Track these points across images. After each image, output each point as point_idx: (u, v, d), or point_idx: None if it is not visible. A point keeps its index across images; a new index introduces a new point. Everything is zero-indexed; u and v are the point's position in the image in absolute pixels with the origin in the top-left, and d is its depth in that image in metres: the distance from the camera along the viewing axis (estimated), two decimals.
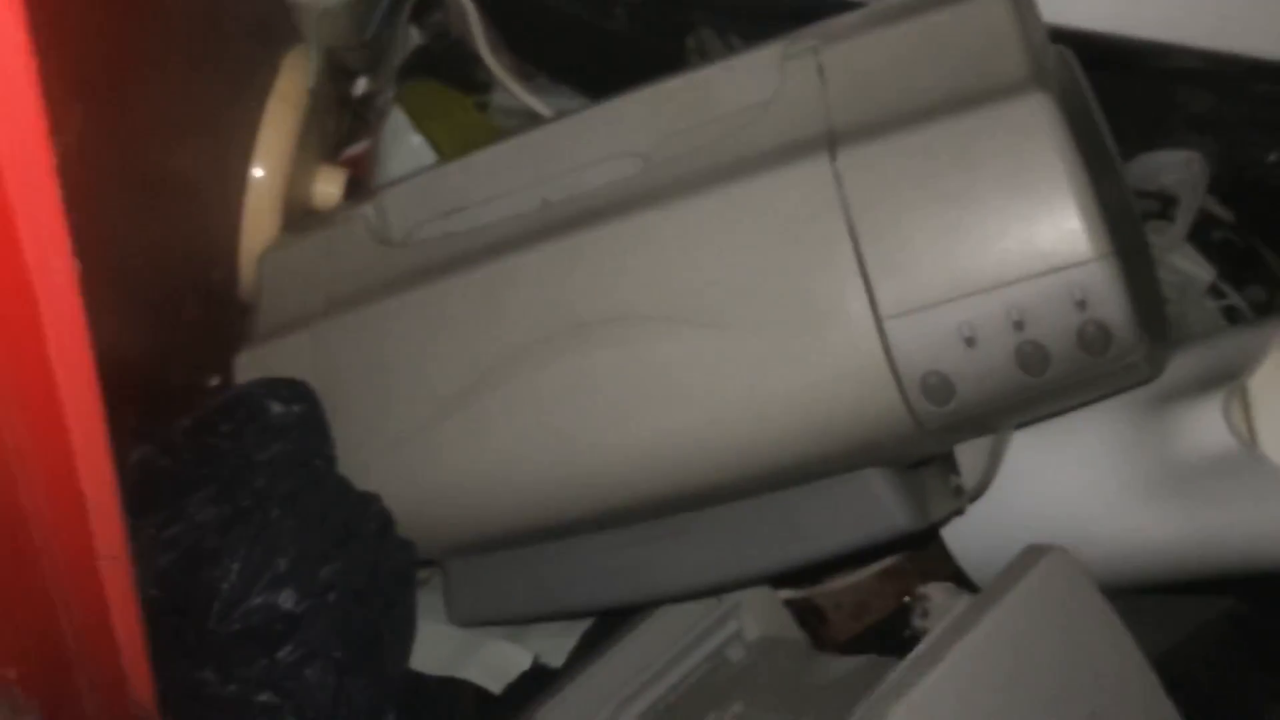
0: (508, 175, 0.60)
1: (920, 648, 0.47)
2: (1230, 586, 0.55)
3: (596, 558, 0.59)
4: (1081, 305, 0.49)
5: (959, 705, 0.44)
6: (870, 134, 0.51)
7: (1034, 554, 0.49)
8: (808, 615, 0.76)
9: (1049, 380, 0.50)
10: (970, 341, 0.50)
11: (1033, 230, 0.49)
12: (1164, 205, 0.70)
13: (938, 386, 0.51)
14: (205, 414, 0.56)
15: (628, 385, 0.54)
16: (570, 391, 0.55)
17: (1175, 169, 0.71)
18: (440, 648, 0.63)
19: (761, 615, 0.68)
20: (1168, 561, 0.58)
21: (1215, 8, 0.62)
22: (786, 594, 0.74)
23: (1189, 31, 0.62)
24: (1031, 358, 0.50)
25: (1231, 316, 0.71)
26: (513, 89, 0.78)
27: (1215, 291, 0.70)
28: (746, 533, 0.56)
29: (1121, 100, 0.59)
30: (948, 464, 0.58)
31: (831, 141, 0.52)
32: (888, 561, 0.77)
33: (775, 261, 0.52)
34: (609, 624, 0.67)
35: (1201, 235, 0.71)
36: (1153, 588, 0.58)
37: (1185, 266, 0.70)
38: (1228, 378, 0.55)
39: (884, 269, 0.50)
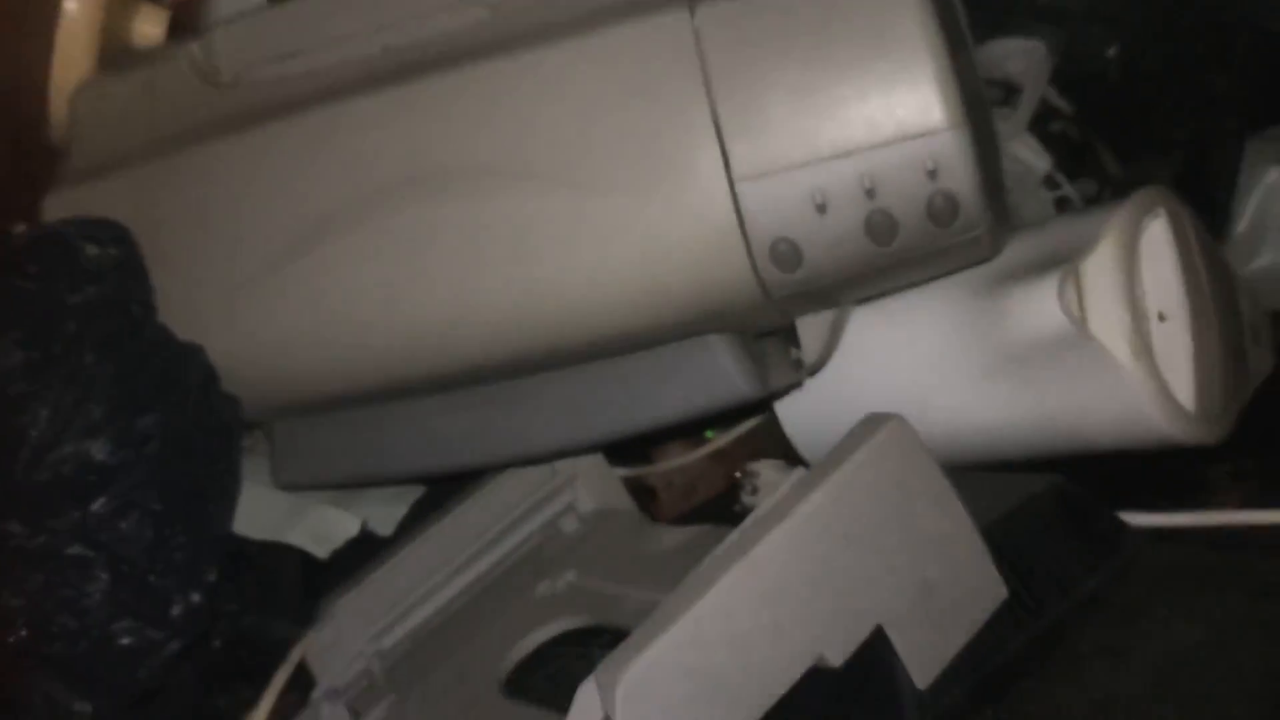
0: (348, 18, 0.57)
1: (759, 510, 0.46)
2: (1055, 465, 0.57)
3: (430, 421, 0.57)
4: (932, 175, 0.49)
5: (797, 566, 0.44)
6: None
7: (874, 422, 0.49)
8: (639, 494, 0.76)
9: (895, 251, 0.51)
10: (821, 208, 0.49)
11: (889, 97, 0.48)
12: (1007, 93, 0.71)
13: (787, 253, 0.50)
14: (10, 254, 0.52)
15: (468, 241, 0.52)
16: (408, 245, 0.52)
17: (1020, 58, 0.72)
18: (265, 512, 0.61)
19: (596, 487, 0.67)
20: (998, 440, 0.60)
21: None
22: (619, 473, 0.73)
23: None
24: (880, 227, 0.50)
25: (1063, 207, 0.72)
26: None
27: (1050, 182, 0.72)
28: (586, 398, 0.55)
29: None
30: (789, 337, 0.58)
31: None
32: (718, 442, 0.78)
33: (627, 118, 0.50)
34: (441, 494, 0.66)
35: (1041, 125, 0.72)
36: (982, 466, 0.60)
37: (1024, 155, 0.71)
38: (1061, 262, 0.56)
39: (739, 130, 0.49)
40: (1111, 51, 0.73)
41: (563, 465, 0.66)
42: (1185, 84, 0.74)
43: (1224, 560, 0.53)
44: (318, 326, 0.54)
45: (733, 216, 0.50)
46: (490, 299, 0.52)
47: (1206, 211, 0.64)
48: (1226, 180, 0.77)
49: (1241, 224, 0.82)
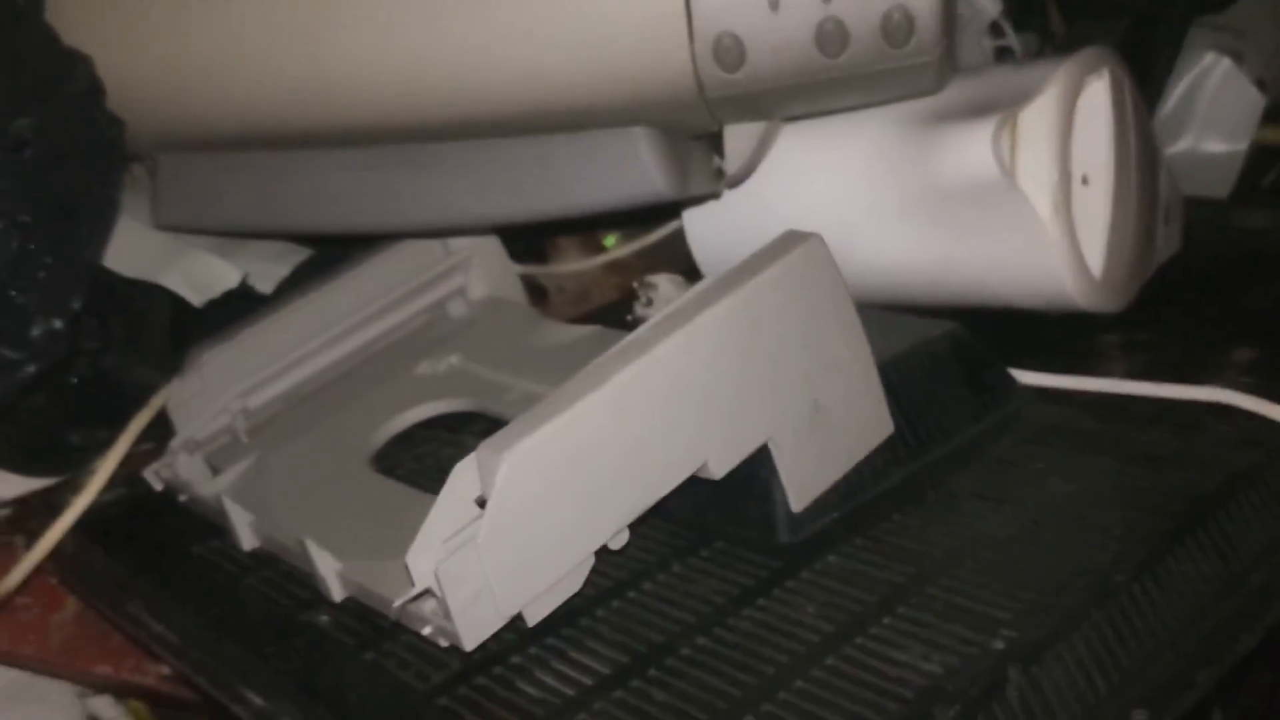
0: None
1: (661, 313, 0.45)
2: (955, 314, 0.57)
3: (329, 175, 0.54)
4: None
5: (695, 371, 0.43)
6: None
7: (793, 238, 0.47)
8: (529, 293, 0.74)
9: (841, 65, 0.48)
10: (774, 5, 0.47)
11: None
12: None
13: (730, 49, 0.48)
14: None
15: None
16: None
17: None
18: (141, 249, 0.57)
19: (490, 273, 0.65)
20: (907, 279, 0.59)
21: None
22: (515, 269, 0.71)
23: None
24: (832, 36, 0.47)
25: (1003, 58, 0.71)
26: None
27: (995, 29, 0.70)
28: (497, 172, 0.53)
29: None
30: (714, 144, 0.56)
31: None
32: (617, 251, 0.76)
33: None
34: (328, 258, 0.63)
35: None
36: (887, 305, 0.59)
37: None
38: (998, 109, 0.55)
39: None
40: None
41: (458, 245, 0.63)
42: None
43: (1103, 426, 0.53)
44: (221, 53, 0.50)
45: (681, 1, 0.47)
46: (412, 49, 0.49)
47: (1143, 84, 0.63)
48: (1167, 55, 0.76)
49: (1170, 104, 0.82)
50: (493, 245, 0.64)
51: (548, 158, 0.52)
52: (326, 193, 0.55)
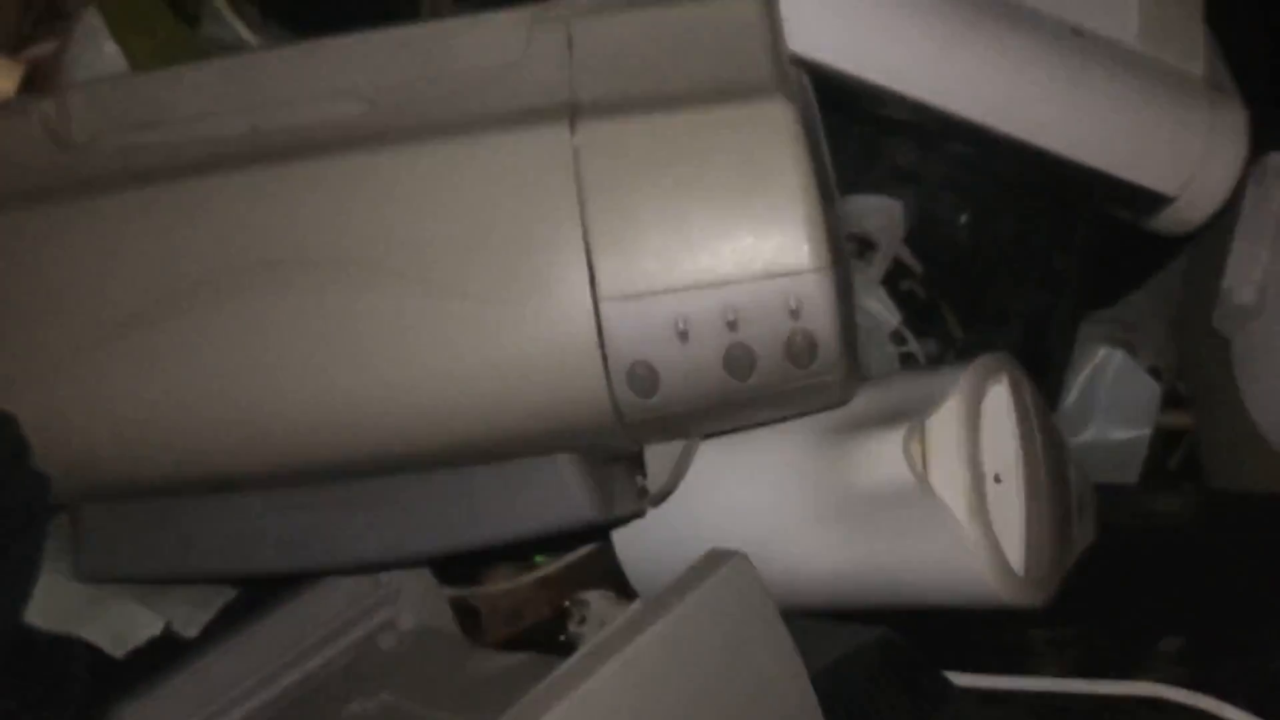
0: (215, 94, 0.55)
1: (593, 641, 0.45)
2: (885, 618, 0.57)
3: (254, 519, 0.54)
4: (794, 314, 0.49)
5: (626, 704, 0.43)
6: (612, 111, 0.50)
7: (717, 558, 0.48)
8: (462, 614, 0.73)
9: (751, 386, 0.50)
10: (683, 335, 0.49)
11: (759, 232, 0.48)
12: (862, 248, 0.73)
13: (644, 378, 0.50)
14: None
15: (319, 333, 0.50)
16: (255, 331, 0.50)
17: (877, 215, 0.74)
18: (60, 601, 0.56)
19: (420, 604, 0.65)
20: (833, 587, 0.60)
21: (931, 62, 0.65)
22: (447, 592, 0.71)
23: (904, 81, 0.65)
24: (739, 360, 0.50)
25: (907, 364, 0.74)
26: (228, 17, 0.73)
27: (898, 337, 0.73)
28: (422, 507, 0.53)
29: (836, 140, 0.61)
30: (635, 464, 0.58)
31: (573, 113, 0.50)
32: (548, 568, 0.76)
33: (498, 225, 0.49)
34: (254, 597, 0.63)
35: (892, 282, 0.74)
36: (815, 613, 0.59)
37: (875, 308, 0.72)
38: (907, 416, 0.57)
39: (609, 249, 0.49)
40: (963, 219, 0.75)
41: (387, 578, 0.63)
42: (1029, 258, 0.77)
43: None
44: (148, 407, 0.51)
45: (594, 335, 0.49)
46: (336, 395, 0.50)
47: (1041, 382, 0.66)
48: (1061, 354, 0.80)
49: (1071, 397, 0.85)
50: (423, 574, 0.64)
51: (471, 489, 0.53)
52: (257, 536, 0.55)
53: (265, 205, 0.51)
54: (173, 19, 0.74)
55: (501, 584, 0.76)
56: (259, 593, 0.62)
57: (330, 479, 0.54)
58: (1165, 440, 0.91)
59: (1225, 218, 0.76)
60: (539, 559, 0.78)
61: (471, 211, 0.50)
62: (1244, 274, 0.76)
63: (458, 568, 0.72)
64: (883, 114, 0.67)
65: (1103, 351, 0.85)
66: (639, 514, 0.59)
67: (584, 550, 0.75)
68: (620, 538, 0.64)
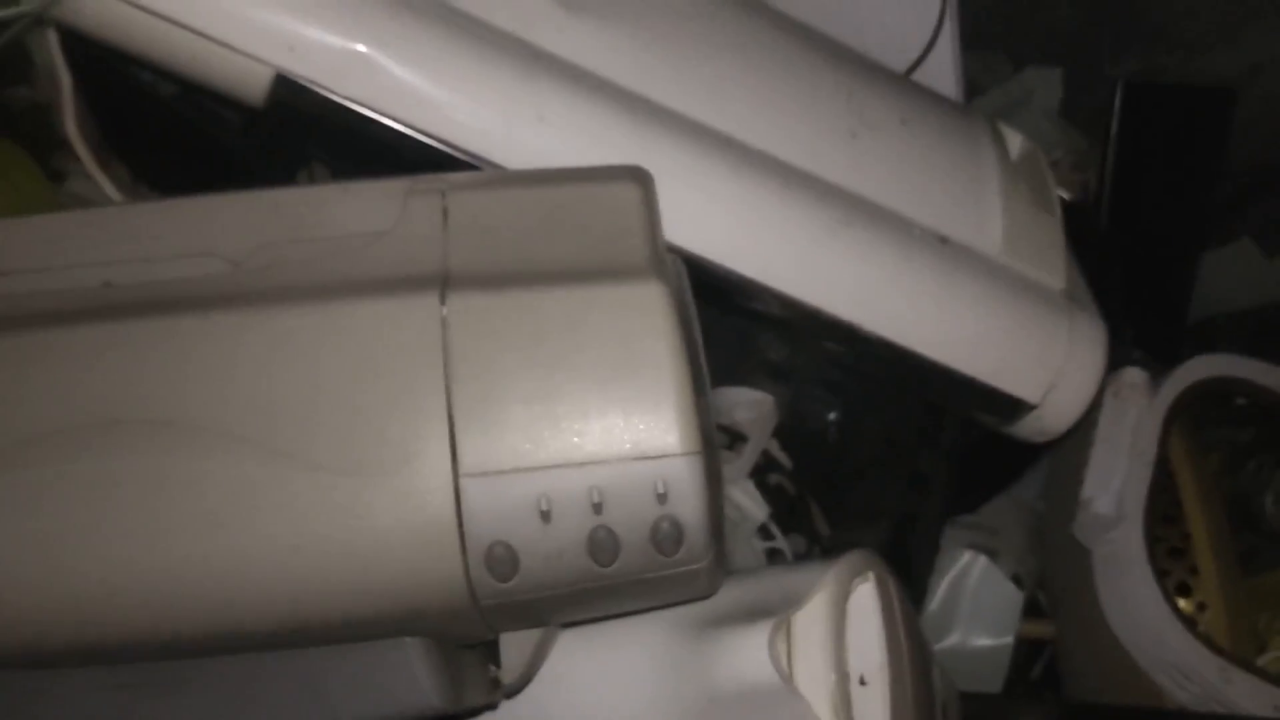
0: (70, 246, 0.53)
1: None
2: None
3: (77, 696, 0.50)
4: (662, 499, 0.47)
5: None
6: (485, 285, 0.49)
7: None
8: None
9: (614, 573, 0.49)
10: (546, 516, 0.47)
11: (628, 414, 0.47)
12: (732, 439, 0.73)
13: (502, 559, 0.47)
14: None
15: (158, 497, 0.46)
16: (89, 494, 0.47)
17: (748, 407, 0.74)
18: None
19: None
20: None
21: (802, 260, 0.66)
22: None
23: (782, 279, 0.66)
24: (603, 544, 0.48)
25: (774, 559, 0.73)
26: (95, 176, 0.71)
27: (764, 531, 0.72)
28: (257, 691, 0.49)
29: (710, 331, 0.61)
30: (489, 652, 0.55)
31: (444, 284, 0.49)
32: None
33: (357, 394, 0.47)
34: None
35: (760, 476, 0.73)
36: None
37: (743, 501, 0.71)
38: (772, 613, 0.56)
39: (473, 424, 0.47)
40: (833, 415, 0.76)
41: None
42: (897, 458, 0.78)
43: None
44: None
45: (452, 512, 0.47)
46: (169, 565, 0.46)
47: (907, 583, 0.65)
48: (926, 556, 0.80)
49: (934, 602, 0.85)
50: None
51: (313, 672, 0.50)
52: (76, 715, 0.51)
53: (110, 361, 0.48)
54: (37, 174, 0.73)
55: None
56: None
57: (159, 657, 0.50)
58: (1027, 650, 0.91)
59: (1084, 430, 0.78)
60: None
61: (330, 378, 0.48)
62: (1102, 484, 0.77)
63: None
64: (755, 308, 0.67)
65: (966, 556, 0.86)
66: (490, 706, 0.56)
67: None
68: None
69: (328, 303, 0.49)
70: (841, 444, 0.77)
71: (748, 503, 0.72)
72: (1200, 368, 0.80)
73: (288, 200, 0.54)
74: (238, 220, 0.53)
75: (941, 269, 0.68)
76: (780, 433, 0.75)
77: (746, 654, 0.55)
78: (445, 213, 0.52)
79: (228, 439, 0.47)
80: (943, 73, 0.87)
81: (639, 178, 0.54)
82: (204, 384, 0.48)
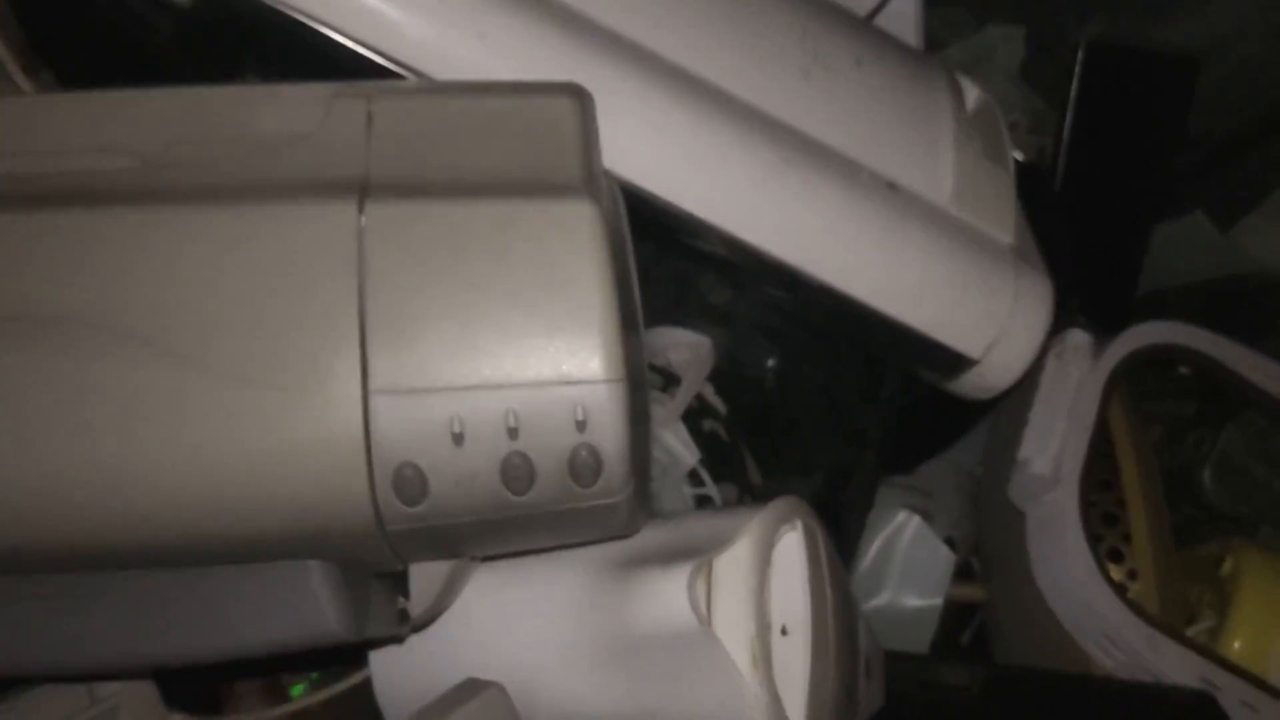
0: None
1: None
2: None
3: None
4: (581, 425, 0.45)
5: None
6: (406, 194, 0.47)
7: (471, 687, 0.44)
8: None
9: (528, 502, 0.47)
10: (459, 439, 0.45)
11: (550, 336, 0.45)
12: (666, 381, 0.71)
13: (411, 481, 0.45)
14: None
15: (49, 399, 0.44)
16: None
17: (683, 349, 0.72)
18: None
19: None
20: None
21: (746, 197, 0.64)
22: (178, 717, 0.64)
23: (724, 216, 0.64)
24: (517, 471, 0.46)
25: (702, 506, 0.71)
26: (16, 77, 0.67)
27: (694, 477, 0.71)
28: (144, 606, 0.47)
29: (648, 269, 0.59)
30: (398, 583, 0.53)
31: (363, 191, 0.46)
32: (302, 701, 0.70)
33: (264, 300, 0.45)
34: None
35: (693, 421, 0.71)
36: None
37: (674, 445, 0.70)
38: (694, 555, 0.54)
39: (385, 339, 0.45)
40: (771, 363, 0.74)
41: (104, 691, 0.56)
42: (834, 411, 0.76)
43: None
44: None
45: (359, 430, 0.44)
46: (56, 470, 0.44)
47: (837, 538, 0.64)
48: (859, 512, 0.79)
49: (866, 560, 0.84)
50: (145, 691, 0.58)
51: (207, 592, 0.47)
52: None
53: (1, 254, 0.45)
54: None
55: (244, 716, 0.69)
56: None
57: (42, 570, 0.47)
58: (957, 614, 0.91)
59: (1024, 391, 0.77)
60: (295, 691, 0.71)
61: (237, 284, 0.45)
62: (1040, 446, 0.76)
63: (194, 694, 0.65)
64: (696, 247, 0.65)
65: (900, 515, 0.85)
66: (397, 638, 0.54)
67: (344, 683, 0.69)
68: (377, 664, 0.59)
69: (239, 204, 0.46)
70: (779, 392, 0.75)
71: (679, 446, 0.70)
72: (1145, 334, 0.79)
73: (205, 98, 0.51)
74: (151, 116, 0.50)
75: (888, 215, 0.66)
76: (716, 378, 0.73)
77: (665, 596, 0.53)
78: (370, 118, 0.49)
79: (126, 341, 0.44)
80: (904, 22, 0.85)
81: (577, 94, 0.52)
82: (103, 282, 0.45)
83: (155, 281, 0.45)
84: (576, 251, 0.46)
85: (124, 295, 0.45)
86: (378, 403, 0.45)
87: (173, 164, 0.49)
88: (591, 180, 0.49)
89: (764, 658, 0.53)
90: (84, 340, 0.44)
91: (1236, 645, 0.77)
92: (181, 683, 0.62)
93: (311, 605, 0.48)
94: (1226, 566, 0.81)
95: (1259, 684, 0.73)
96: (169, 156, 0.49)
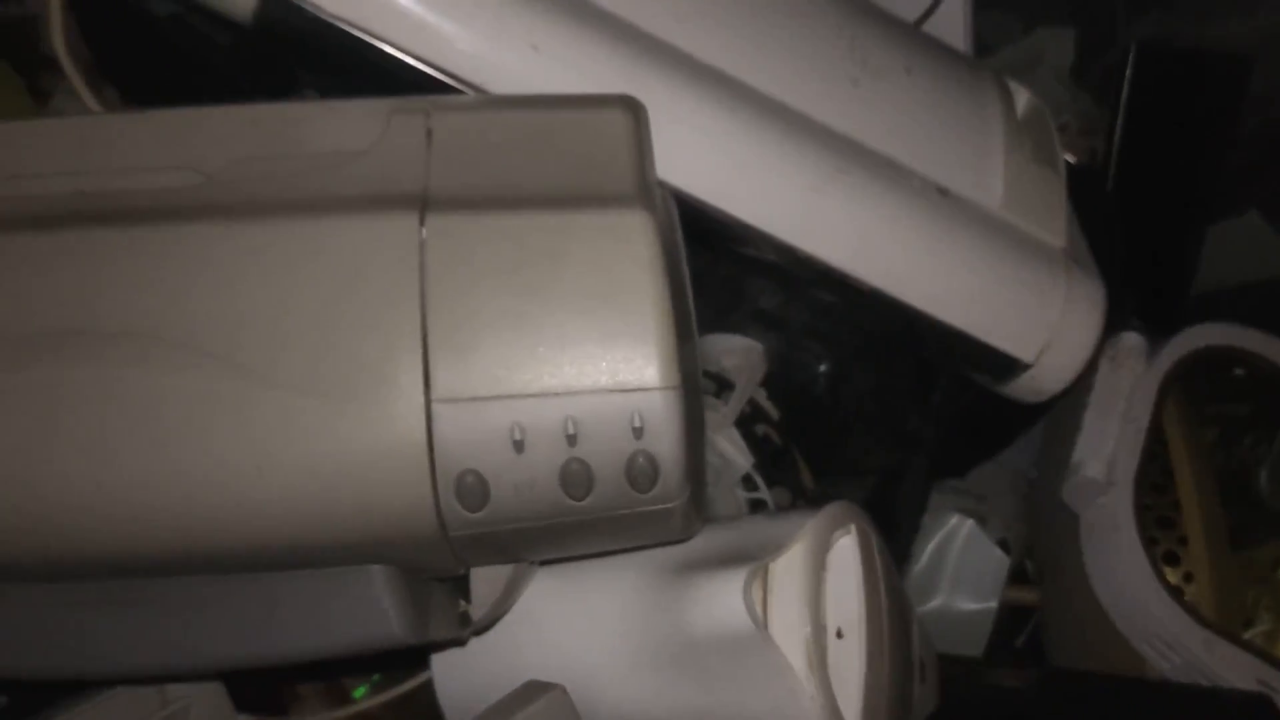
0: (42, 154, 0.51)
1: None
2: None
3: (31, 613, 0.49)
4: (638, 433, 0.46)
5: None
6: (466, 207, 0.48)
7: (534, 690, 0.45)
8: None
9: (587, 507, 0.47)
10: (519, 446, 0.46)
11: (608, 344, 0.46)
12: (719, 387, 0.71)
13: (473, 488, 0.46)
14: None
15: (117, 411, 0.45)
16: (43, 404, 0.45)
17: (736, 355, 0.73)
18: None
19: None
20: None
21: (798, 204, 0.64)
22: (245, 718, 0.65)
23: (775, 223, 0.64)
24: (577, 477, 0.47)
25: (756, 510, 0.72)
26: (81, 92, 0.69)
27: (748, 482, 0.71)
28: (212, 611, 0.48)
29: (700, 278, 0.59)
30: (459, 587, 0.54)
31: (424, 204, 0.48)
32: (365, 703, 0.71)
33: (330, 314, 0.46)
34: (25, 708, 0.56)
35: (746, 425, 0.72)
36: None
37: (727, 450, 0.70)
38: (750, 560, 0.55)
39: (447, 348, 0.46)
40: (823, 368, 0.75)
41: (175, 693, 0.57)
42: (886, 415, 0.77)
43: None
44: None
45: (423, 438, 0.45)
46: (129, 480, 0.45)
47: (890, 542, 0.64)
48: (912, 516, 0.79)
49: (919, 563, 0.84)
50: (215, 694, 0.59)
51: (274, 597, 0.49)
52: (29, 633, 0.50)
53: (72, 269, 0.46)
54: (20, 89, 0.71)
55: (309, 717, 0.70)
56: (28, 703, 0.56)
57: (114, 576, 0.49)
58: (1012, 617, 0.90)
59: (1078, 393, 0.77)
60: (357, 694, 0.72)
61: (300, 296, 0.46)
62: (1094, 449, 0.76)
63: (260, 697, 0.66)
64: (748, 254, 0.66)
65: (954, 519, 0.85)
66: (458, 641, 0.55)
67: (405, 685, 0.70)
68: (439, 664, 0.60)
69: (302, 218, 0.47)
70: (831, 397, 0.75)
71: (732, 451, 0.70)
72: (1200, 335, 0.79)
73: (267, 115, 0.52)
74: (214, 134, 0.52)
75: (940, 220, 0.66)
76: (769, 383, 0.74)
77: (722, 599, 0.54)
78: (429, 133, 0.50)
79: (191, 353, 0.46)
80: (952, 26, 0.85)
81: (631, 106, 0.53)
82: (168, 296, 0.46)
83: (221, 296, 0.47)
84: (632, 261, 0.47)
85: (191, 309, 0.46)
86: (440, 411, 0.46)
87: (236, 180, 0.50)
88: (645, 190, 0.50)
89: (820, 661, 0.53)
90: (153, 354, 0.46)
91: None
92: (249, 685, 0.63)
93: (375, 609, 0.49)
94: None
95: None
96: (232, 173, 0.50)
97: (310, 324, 0.46)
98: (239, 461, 0.46)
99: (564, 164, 0.50)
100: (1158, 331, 0.82)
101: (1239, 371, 0.85)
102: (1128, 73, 0.91)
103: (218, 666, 0.53)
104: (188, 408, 0.46)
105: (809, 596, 0.54)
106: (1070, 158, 0.86)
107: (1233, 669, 0.71)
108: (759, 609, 0.53)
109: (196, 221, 0.48)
